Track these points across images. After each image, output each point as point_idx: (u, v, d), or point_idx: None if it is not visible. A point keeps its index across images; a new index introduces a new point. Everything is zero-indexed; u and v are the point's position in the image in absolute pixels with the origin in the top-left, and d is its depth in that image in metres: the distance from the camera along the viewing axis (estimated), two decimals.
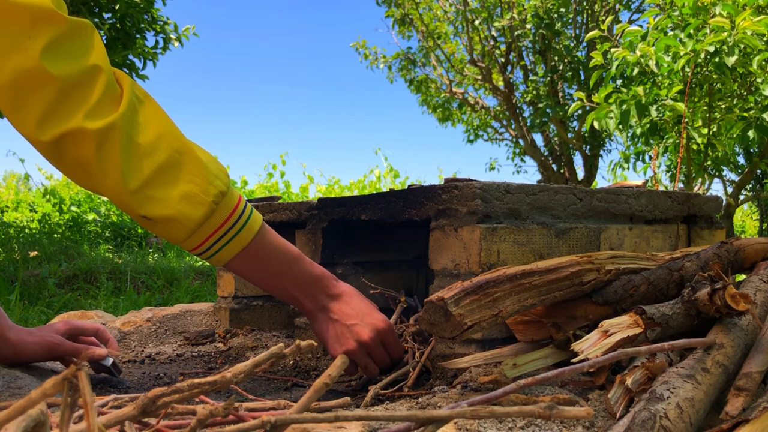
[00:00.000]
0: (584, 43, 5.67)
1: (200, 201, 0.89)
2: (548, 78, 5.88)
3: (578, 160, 6.64)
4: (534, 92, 6.04)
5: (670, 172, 3.49)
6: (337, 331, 1.02)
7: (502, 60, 6.53)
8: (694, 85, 2.55)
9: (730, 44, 2.27)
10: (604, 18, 5.44)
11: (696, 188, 2.90)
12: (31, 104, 0.82)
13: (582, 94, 3.03)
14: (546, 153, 6.82)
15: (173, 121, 0.93)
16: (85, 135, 0.83)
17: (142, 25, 4.29)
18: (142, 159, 0.87)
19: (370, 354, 1.03)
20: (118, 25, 4.15)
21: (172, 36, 4.55)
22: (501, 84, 6.70)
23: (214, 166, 0.92)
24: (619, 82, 2.92)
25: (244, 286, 1.58)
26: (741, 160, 3.64)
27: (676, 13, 2.54)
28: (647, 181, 2.94)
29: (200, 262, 4.31)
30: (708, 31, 2.36)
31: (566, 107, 5.48)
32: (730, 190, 3.51)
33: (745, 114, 2.60)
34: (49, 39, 0.81)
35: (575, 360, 0.77)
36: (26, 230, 5.31)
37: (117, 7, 4.05)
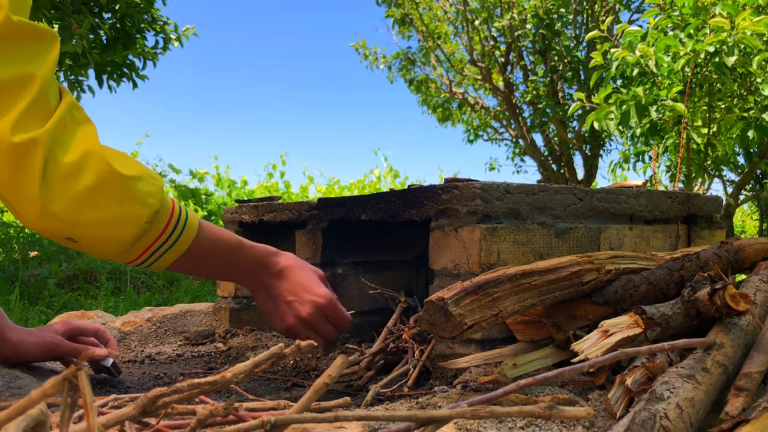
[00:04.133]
0: (584, 43, 5.67)
1: (131, 224, 0.85)
2: (548, 78, 5.88)
3: (578, 160, 6.64)
4: (534, 92, 6.04)
5: (670, 172, 3.49)
6: (277, 308, 1.05)
7: (502, 60, 6.53)
8: (694, 86, 2.55)
9: (730, 44, 2.27)
10: (604, 18, 5.44)
11: (696, 188, 2.90)
12: None
13: (582, 95, 3.03)
14: (546, 153, 6.82)
15: (105, 145, 0.86)
16: (4, 147, 0.76)
17: (142, 25, 4.28)
18: (66, 179, 0.80)
19: (313, 328, 1.05)
20: (118, 25, 4.15)
21: (172, 36, 4.55)
22: (501, 84, 6.69)
23: (145, 184, 0.86)
24: (619, 82, 2.93)
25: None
26: (741, 160, 3.64)
27: (676, 13, 2.54)
28: (647, 181, 2.94)
29: None
30: (708, 31, 2.36)
31: (566, 107, 5.48)
32: (730, 190, 3.51)
33: (745, 114, 2.60)
34: None
35: (575, 360, 0.77)
36: (26, 230, 5.31)
37: (117, 7, 4.05)
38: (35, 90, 0.79)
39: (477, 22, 6.30)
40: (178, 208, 0.91)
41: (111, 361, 1.10)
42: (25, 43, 0.80)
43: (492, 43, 6.44)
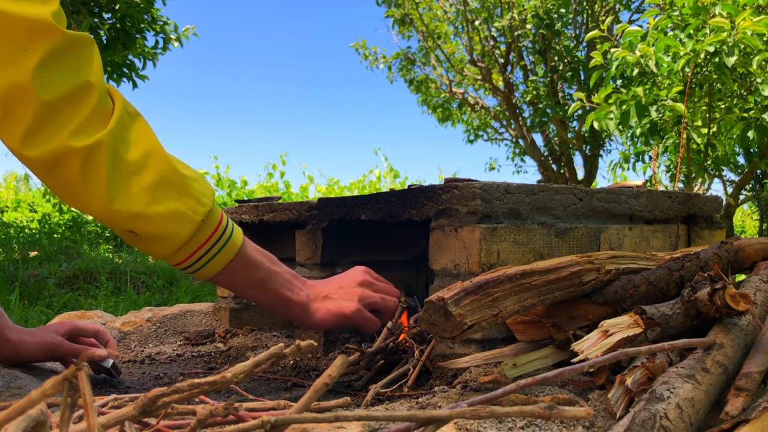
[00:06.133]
0: (584, 43, 5.67)
1: (188, 219, 0.90)
2: (548, 78, 5.88)
3: (578, 160, 6.65)
4: (534, 92, 6.04)
5: (670, 172, 3.49)
6: (337, 297, 1.06)
7: (502, 60, 6.53)
8: (694, 86, 2.55)
9: (730, 44, 2.27)
10: (604, 18, 5.44)
11: (696, 188, 2.90)
12: (18, 118, 0.81)
13: (582, 95, 3.03)
14: (546, 153, 6.82)
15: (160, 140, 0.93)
16: (71, 153, 0.82)
17: (142, 25, 4.28)
18: (130, 176, 0.86)
19: (376, 289, 1.09)
20: (118, 25, 4.15)
21: (172, 36, 4.55)
22: (501, 84, 6.69)
23: (200, 184, 0.92)
24: (619, 82, 2.92)
25: None
26: (741, 160, 3.64)
27: (676, 13, 2.54)
28: (647, 181, 2.94)
29: None
30: (708, 31, 2.36)
31: (566, 107, 5.48)
32: (730, 190, 3.51)
33: (745, 114, 2.60)
34: (44, 53, 0.80)
35: (575, 360, 0.77)
36: (26, 230, 5.31)
37: (117, 7, 4.05)
38: (95, 97, 0.85)
39: (477, 22, 6.31)
40: (225, 217, 0.97)
41: (111, 361, 1.10)
42: (76, 54, 0.85)
43: (492, 43, 6.44)
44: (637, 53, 2.52)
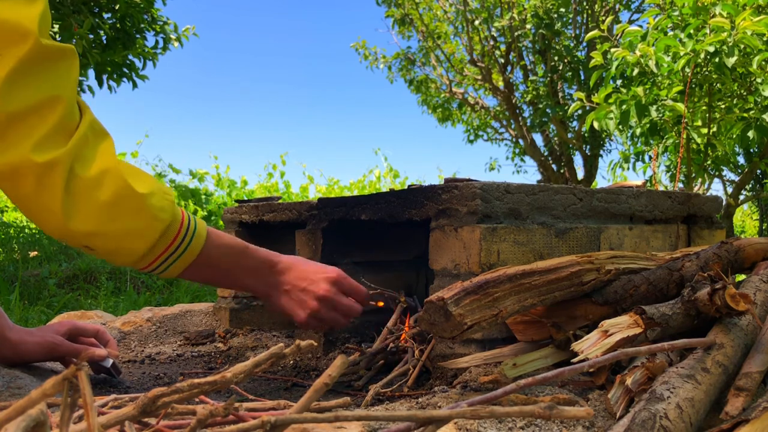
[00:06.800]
0: (584, 43, 5.67)
1: (144, 236, 0.91)
2: (548, 78, 5.88)
3: (578, 160, 6.64)
4: (534, 92, 6.04)
5: (670, 172, 3.49)
6: (294, 298, 1.06)
7: (502, 60, 6.53)
8: (694, 86, 2.55)
9: (730, 44, 2.27)
10: (604, 18, 5.44)
11: (696, 188, 2.90)
12: None
13: (582, 95, 3.03)
14: (546, 153, 6.82)
15: (121, 159, 0.92)
16: (27, 167, 0.81)
17: (142, 25, 4.28)
18: (86, 195, 0.85)
19: (334, 307, 1.06)
20: (118, 25, 4.15)
21: (172, 36, 4.54)
22: (501, 84, 6.69)
23: (158, 199, 0.91)
24: (619, 82, 2.92)
25: None
26: (741, 160, 3.64)
27: (676, 13, 2.54)
28: (647, 181, 2.94)
29: None
30: (708, 31, 2.36)
31: (566, 107, 5.48)
32: (730, 190, 3.51)
33: (745, 114, 2.60)
34: (16, 62, 0.79)
35: (575, 360, 0.77)
36: (26, 230, 5.31)
37: (117, 7, 4.05)
38: (60, 112, 0.83)
39: (477, 22, 6.30)
40: (187, 220, 0.96)
41: (111, 362, 1.10)
42: (51, 66, 0.83)
43: (492, 43, 6.44)
44: (637, 53, 2.52)
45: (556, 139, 6.60)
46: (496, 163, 7.86)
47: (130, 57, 4.27)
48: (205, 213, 6.38)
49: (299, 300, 1.06)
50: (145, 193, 0.89)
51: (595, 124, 2.77)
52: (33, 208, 0.85)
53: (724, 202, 2.91)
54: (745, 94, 2.65)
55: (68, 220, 0.85)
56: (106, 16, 4.15)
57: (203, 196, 7.15)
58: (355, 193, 8.52)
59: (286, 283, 1.06)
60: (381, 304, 1.22)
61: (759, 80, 2.46)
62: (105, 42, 4.14)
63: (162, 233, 0.92)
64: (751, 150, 3.25)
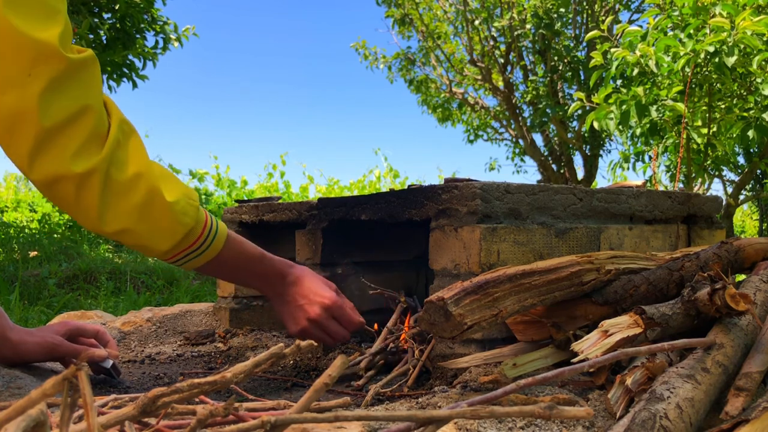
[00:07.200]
0: (584, 43, 5.67)
1: (169, 237, 0.99)
2: (548, 78, 5.88)
3: (578, 160, 6.64)
4: (534, 92, 6.04)
5: (670, 172, 3.49)
6: (290, 311, 1.14)
7: (502, 60, 6.53)
8: (694, 85, 2.55)
9: (730, 44, 2.27)
10: (604, 18, 5.44)
11: (696, 188, 2.90)
12: (21, 141, 0.86)
13: (582, 95, 3.03)
14: (546, 153, 6.82)
15: (151, 161, 1.00)
16: (69, 177, 0.88)
17: (142, 25, 4.28)
18: (120, 197, 0.93)
19: (323, 329, 1.13)
20: (118, 25, 4.15)
21: (172, 36, 4.54)
22: (501, 84, 6.69)
23: (183, 206, 0.99)
24: (619, 82, 2.92)
25: None
26: (741, 160, 3.64)
27: (676, 13, 2.54)
28: (647, 181, 2.94)
29: None
30: (708, 31, 2.36)
31: (566, 107, 5.48)
32: (730, 190, 3.51)
33: (745, 114, 2.60)
34: (48, 80, 0.84)
35: (575, 360, 0.77)
36: (26, 230, 5.31)
37: (117, 7, 4.05)
38: (92, 121, 0.90)
39: (477, 22, 6.30)
40: (210, 223, 1.05)
41: (111, 362, 1.10)
42: (77, 77, 0.89)
43: (492, 43, 6.44)
44: (637, 53, 2.52)
45: (556, 139, 6.60)
46: (496, 163, 7.87)
47: (130, 57, 4.27)
48: None
49: (293, 315, 1.14)
50: (173, 201, 0.98)
51: (595, 124, 2.77)
52: (72, 209, 0.93)
53: (724, 202, 2.91)
54: (745, 93, 2.65)
55: (102, 219, 0.93)
56: (105, 16, 4.15)
57: (203, 196, 7.15)
58: (355, 193, 8.52)
59: (289, 294, 1.14)
60: (376, 327, 1.28)
61: (759, 80, 2.46)
62: (105, 42, 4.14)
63: (184, 235, 1.00)
64: (751, 150, 3.25)
